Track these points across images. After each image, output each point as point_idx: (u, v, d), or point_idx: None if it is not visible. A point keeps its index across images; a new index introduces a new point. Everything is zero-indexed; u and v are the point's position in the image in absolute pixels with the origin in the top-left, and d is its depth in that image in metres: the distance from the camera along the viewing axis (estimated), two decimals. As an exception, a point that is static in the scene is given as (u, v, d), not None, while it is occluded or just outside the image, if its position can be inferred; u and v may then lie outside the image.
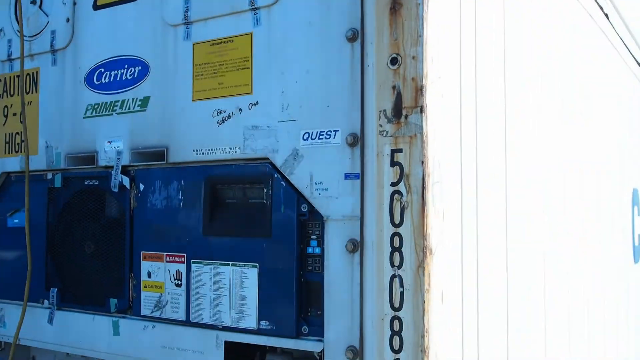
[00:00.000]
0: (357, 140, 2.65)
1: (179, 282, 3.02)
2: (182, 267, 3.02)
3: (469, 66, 2.90)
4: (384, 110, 2.61)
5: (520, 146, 3.30)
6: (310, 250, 2.76)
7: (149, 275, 3.13)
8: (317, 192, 2.73)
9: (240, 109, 2.94)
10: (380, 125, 2.61)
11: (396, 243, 2.56)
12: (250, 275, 2.84)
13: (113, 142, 3.27)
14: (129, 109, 3.23)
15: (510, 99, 3.21)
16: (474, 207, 2.87)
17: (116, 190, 3.18)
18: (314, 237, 2.77)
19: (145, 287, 3.12)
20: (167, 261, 3.06)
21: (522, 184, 3.29)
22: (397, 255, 2.55)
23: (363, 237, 2.62)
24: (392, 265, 2.56)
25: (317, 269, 2.74)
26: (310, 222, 2.75)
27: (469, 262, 2.89)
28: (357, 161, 2.64)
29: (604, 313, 4.53)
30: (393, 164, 2.58)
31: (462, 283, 2.82)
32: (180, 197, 3.06)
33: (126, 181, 3.20)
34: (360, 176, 2.64)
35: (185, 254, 3.02)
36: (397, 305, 2.54)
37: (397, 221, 2.56)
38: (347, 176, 2.69)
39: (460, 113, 2.86)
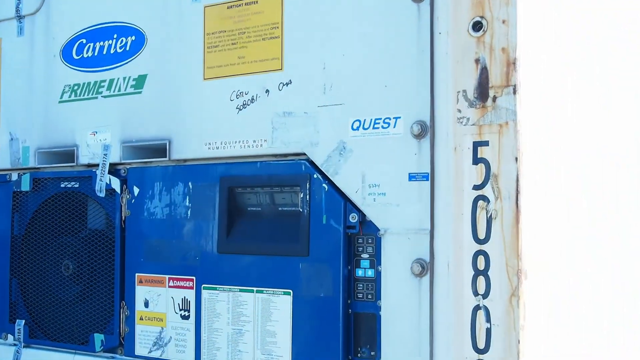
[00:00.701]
0: (425, 130, 2.40)
1: (186, 314, 2.82)
2: (191, 294, 2.80)
3: (571, 35, 2.65)
4: (464, 91, 2.36)
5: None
6: (360, 272, 2.53)
7: (146, 305, 2.92)
8: (372, 198, 2.49)
9: (267, 91, 2.70)
10: (459, 111, 2.36)
11: (480, 264, 2.31)
12: (282, 304, 2.61)
13: (98, 134, 3.07)
14: (119, 90, 3.02)
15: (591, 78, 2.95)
16: (566, 214, 2.62)
17: (102, 195, 2.99)
18: (365, 255, 2.53)
19: (141, 319, 2.92)
20: (170, 286, 2.85)
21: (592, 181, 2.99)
22: (481, 280, 2.31)
23: (434, 256, 2.38)
24: (475, 293, 2.31)
25: (370, 297, 2.51)
26: (361, 236, 2.52)
27: (572, 286, 2.61)
28: (425, 157, 2.40)
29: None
30: (476, 160, 2.33)
31: (569, 316, 2.53)
32: (187, 203, 2.83)
33: (116, 183, 3.01)
34: (430, 177, 2.38)
35: (194, 277, 2.80)
36: (481, 346, 2.31)
37: (481, 235, 2.30)
38: (412, 177, 2.43)
39: (561, 95, 2.60)
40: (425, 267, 2.40)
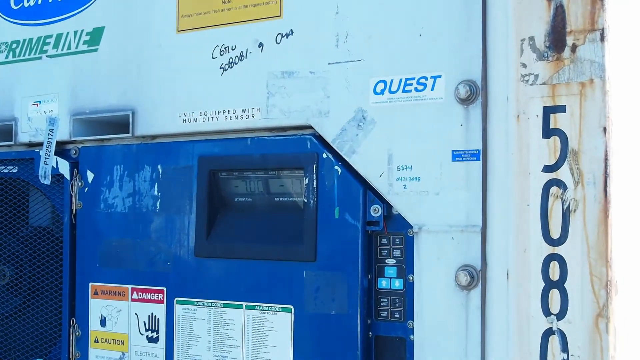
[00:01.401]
0: (475, 93, 2.14)
1: (154, 335, 2.61)
2: (160, 310, 2.58)
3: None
4: (530, 39, 2.07)
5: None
6: (384, 284, 2.29)
7: (103, 323, 2.71)
8: (401, 185, 2.23)
9: (260, 44, 2.46)
10: (523, 65, 2.08)
11: (554, 274, 2.02)
12: (280, 325, 2.38)
13: (42, 104, 2.89)
14: (69, 48, 2.83)
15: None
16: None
17: (47, 182, 2.80)
18: (391, 261, 2.28)
19: (96, 341, 2.72)
20: (133, 299, 2.64)
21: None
22: (555, 295, 2.03)
23: (487, 262, 2.12)
24: (547, 312, 2.04)
25: (397, 316, 2.28)
26: (385, 235, 2.29)
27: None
28: (475, 129, 2.14)
29: None
30: (548, 132, 2.05)
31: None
32: (155, 192, 2.61)
33: (64, 167, 2.80)
34: (482, 156, 2.12)
35: (164, 288, 2.57)
36: (555, 383, 2.02)
37: (555, 234, 2.02)
38: (457, 156, 2.17)
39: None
40: (475, 277, 2.14)
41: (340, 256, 2.31)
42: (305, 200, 2.36)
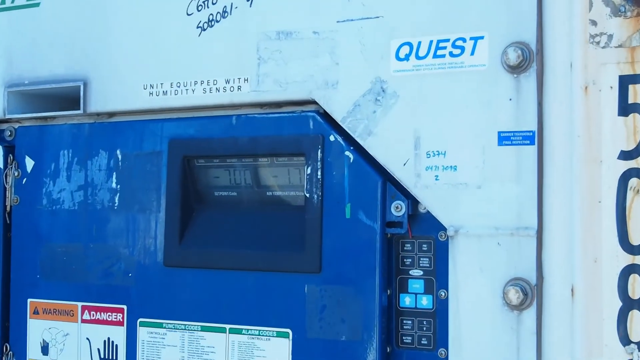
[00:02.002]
0: (529, 59, 2.00)
1: None
2: (119, 334, 2.49)
3: None
4: None
5: None
6: (408, 301, 2.16)
7: (46, 350, 2.62)
8: (431, 175, 2.09)
9: None
10: (593, 23, 1.93)
11: (634, 290, 1.86)
12: (273, 352, 2.27)
13: None
14: (2, 2, 2.72)
15: None
16: None
17: None
18: (417, 272, 2.15)
19: None
20: (84, 320, 2.55)
21: None
22: (636, 317, 1.86)
23: (544, 274, 1.97)
24: (625, 340, 1.87)
25: (425, 342, 2.15)
26: (410, 240, 2.17)
27: None
28: (528, 105, 2.01)
29: None
30: (626, 109, 1.90)
31: None
32: (113, 185, 2.51)
33: None
34: (538, 138, 1.98)
35: (125, 306, 2.48)
36: None
37: (636, 240, 1.87)
38: (504, 138, 2.01)
39: None
40: (529, 294, 1.98)
41: (352, 266, 2.18)
42: (307, 195, 2.21)
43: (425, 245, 2.11)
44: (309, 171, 2.18)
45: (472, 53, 2.02)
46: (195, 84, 2.34)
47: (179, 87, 2.35)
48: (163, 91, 2.39)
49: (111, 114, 2.53)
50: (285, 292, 2.24)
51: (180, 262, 2.39)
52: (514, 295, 1.93)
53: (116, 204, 2.48)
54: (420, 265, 2.12)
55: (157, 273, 2.43)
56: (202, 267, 2.36)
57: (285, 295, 2.23)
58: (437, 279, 2.11)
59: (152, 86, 2.41)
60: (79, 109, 2.55)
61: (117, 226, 2.50)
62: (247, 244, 2.31)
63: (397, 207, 2.09)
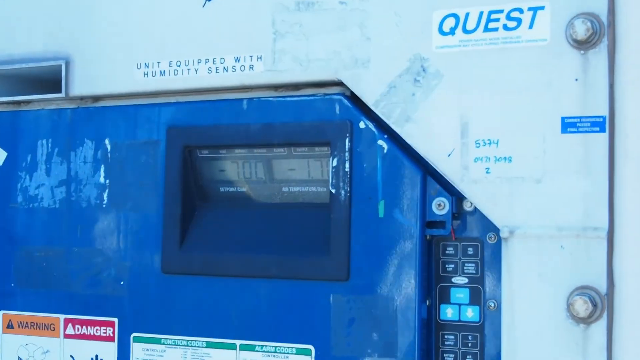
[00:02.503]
0: (599, 33, 1.88)
1: None
2: (109, 351, 2.40)
3: None
4: None
5: None
6: (450, 313, 2.08)
7: None
8: (481, 168, 1.98)
9: None
10: None
11: None
12: None
13: None
14: None
15: None
16: None
17: None
18: (461, 280, 2.06)
19: None
20: (68, 335, 2.45)
21: None
22: None
23: (615, 282, 1.87)
24: None
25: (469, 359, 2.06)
26: (453, 242, 2.09)
27: None
28: (598, 86, 1.88)
29: None
30: None
31: None
32: (101, 180, 2.42)
33: None
34: (609, 125, 1.86)
35: (115, 319, 2.39)
36: None
37: None
38: (570, 125, 1.89)
39: None
40: (598, 305, 1.86)
41: (386, 273, 2.07)
42: (333, 191, 2.10)
43: (470, 249, 2.02)
44: (334, 163, 2.06)
45: (531, 26, 1.90)
46: (198, 62, 2.22)
47: (179, 66, 2.24)
48: (160, 71, 2.27)
49: (97, 98, 2.41)
50: (306, 303, 2.13)
51: (181, 269, 2.27)
52: (582, 307, 1.81)
53: (105, 202, 2.37)
54: (465, 271, 2.02)
55: (154, 281, 2.32)
56: (207, 274, 2.24)
57: (306, 307, 2.13)
58: (485, 287, 2.02)
59: (147, 65, 2.29)
60: (59, 92, 2.43)
61: (106, 227, 2.38)
62: (261, 247, 2.19)
63: (439, 205, 1.99)
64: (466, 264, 2.02)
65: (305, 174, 2.17)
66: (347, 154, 2.07)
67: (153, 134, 2.32)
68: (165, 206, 2.29)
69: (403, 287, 2.01)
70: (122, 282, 2.35)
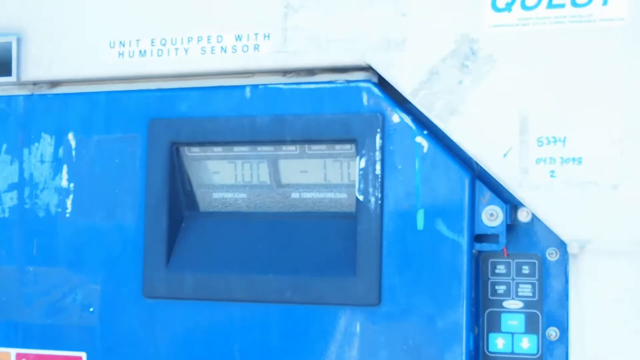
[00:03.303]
0: None
1: None
2: None
3: None
4: None
5: None
6: (501, 344, 1.98)
7: None
8: (545, 170, 1.88)
9: None
10: None
11: None
12: None
13: None
14: None
15: None
16: None
17: None
18: (515, 304, 1.96)
19: None
20: None
21: None
22: None
23: None
24: None
25: None
26: (504, 259, 1.98)
27: None
28: None
29: None
30: None
31: None
32: (63, 183, 2.28)
33: None
34: None
35: (83, 354, 2.25)
36: None
37: None
38: None
39: None
40: None
41: (426, 296, 1.95)
42: (361, 198, 1.97)
43: (526, 267, 1.91)
44: (362, 164, 1.94)
45: (605, 2, 1.79)
46: (189, 41, 2.09)
47: (164, 45, 2.11)
48: (140, 51, 2.14)
49: (57, 83, 2.26)
50: (327, 333, 2.00)
51: (168, 292, 2.12)
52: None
53: (68, 210, 2.22)
54: (519, 294, 1.92)
55: (132, 307, 2.17)
56: (201, 298, 2.09)
57: (327, 337, 2.00)
58: (545, 313, 1.91)
59: (123, 43, 2.15)
60: (9, 74, 2.29)
61: (71, 241, 2.22)
62: (269, 266, 2.06)
63: (491, 215, 1.88)
64: (521, 285, 1.92)
65: (320, 177, 2.05)
66: (377, 153, 1.96)
67: (131, 128, 2.17)
68: (147, 216, 2.15)
69: (447, 313, 1.90)
70: (91, 309, 2.20)
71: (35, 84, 2.27)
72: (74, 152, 2.23)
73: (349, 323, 1.98)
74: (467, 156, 1.94)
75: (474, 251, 1.94)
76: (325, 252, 2.05)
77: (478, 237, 1.92)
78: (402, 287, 1.96)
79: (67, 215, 2.21)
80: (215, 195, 2.16)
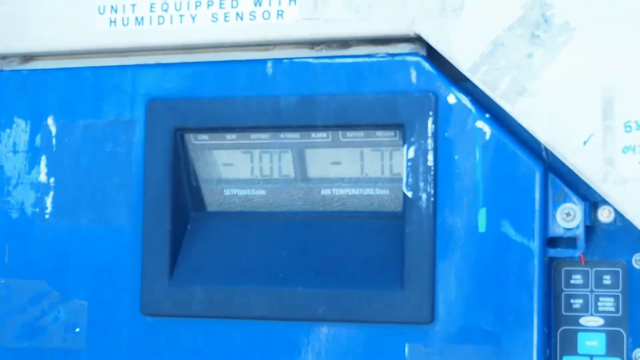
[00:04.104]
0: None
1: None
2: None
3: None
4: None
5: None
6: None
7: None
8: (634, 161, 1.77)
9: None
10: None
11: None
12: None
13: None
14: None
15: None
16: None
17: None
18: (595, 321, 1.87)
19: None
20: None
21: None
22: None
23: None
24: None
25: None
26: (582, 268, 1.89)
27: None
28: None
29: None
30: None
31: None
32: (41, 178, 2.19)
33: None
34: None
35: None
36: None
37: None
38: None
39: None
40: None
41: (489, 312, 1.83)
42: (410, 195, 1.85)
43: (608, 277, 1.80)
44: (411, 154, 1.82)
45: None
46: (197, 6, 1.96)
47: (165, 10, 1.98)
48: (136, 18, 2.01)
49: (31, 56, 2.12)
50: (369, 357, 1.87)
51: (173, 309, 1.99)
52: None
53: (48, 211, 2.08)
54: (600, 309, 1.80)
55: (128, 327, 2.03)
56: (213, 316, 1.97)
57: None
58: (630, 331, 1.79)
59: (115, 8, 2.02)
60: None
61: (51, 248, 2.09)
62: (295, 277, 1.94)
63: (567, 214, 1.76)
64: (601, 299, 1.80)
65: (356, 169, 1.92)
66: (430, 141, 1.82)
67: (125, 111, 2.03)
68: (145, 217, 2.02)
69: (514, 332, 1.78)
70: (77, 329, 2.07)
71: (4, 57, 2.13)
72: (54, 140, 2.10)
73: (396, 345, 1.87)
74: (538, 144, 1.82)
75: (545, 258, 1.80)
76: (365, 260, 1.92)
77: (551, 241, 1.80)
78: (459, 302, 1.84)
79: (47, 216, 2.09)
80: (228, 192, 2.04)
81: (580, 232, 1.79)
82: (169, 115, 2.02)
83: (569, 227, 1.78)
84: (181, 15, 1.96)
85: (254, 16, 1.92)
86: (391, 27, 1.88)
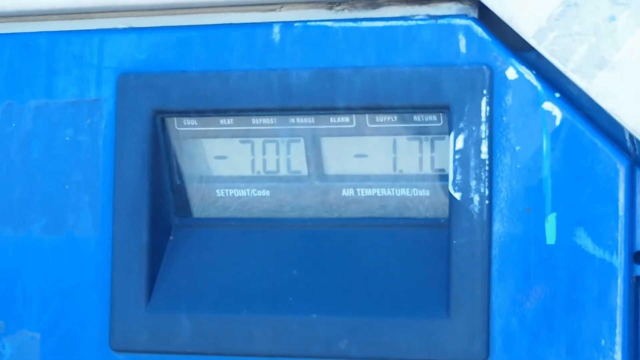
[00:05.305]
0: None
1: None
2: None
3: None
4: None
5: None
6: None
7: None
8: None
9: None
10: None
11: None
12: None
13: None
14: None
15: None
16: None
17: None
18: None
19: None
20: None
21: None
22: None
23: None
24: None
25: None
26: None
27: None
28: None
29: None
30: None
31: None
32: None
33: None
34: None
35: None
36: None
37: None
38: None
39: None
40: None
41: (561, 344, 1.76)
42: (458, 197, 1.80)
43: None
44: (459, 145, 1.75)
45: None
46: None
47: None
48: None
49: None
50: None
51: (150, 343, 1.90)
52: None
53: None
54: None
55: None
56: (202, 352, 1.88)
57: None
58: None
59: None
60: None
61: None
62: (307, 301, 1.87)
63: None
64: None
65: (387, 164, 1.83)
66: (483, 127, 1.74)
67: (89, 88, 1.95)
68: (116, 225, 1.94)
69: None
70: None
71: None
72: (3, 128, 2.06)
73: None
74: (622, 132, 1.73)
75: (632, 277, 1.71)
76: (399, 280, 1.83)
77: (638, 256, 1.70)
78: (522, 332, 1.75)
79: (-13, 226, 1.99)
80: (221, 192, 1.96)
81: (690, 254, 1.72)
82: (146, 94, 1.92)
83: (677, 246, 1.72)
84: (161, -38, 1.86)
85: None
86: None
